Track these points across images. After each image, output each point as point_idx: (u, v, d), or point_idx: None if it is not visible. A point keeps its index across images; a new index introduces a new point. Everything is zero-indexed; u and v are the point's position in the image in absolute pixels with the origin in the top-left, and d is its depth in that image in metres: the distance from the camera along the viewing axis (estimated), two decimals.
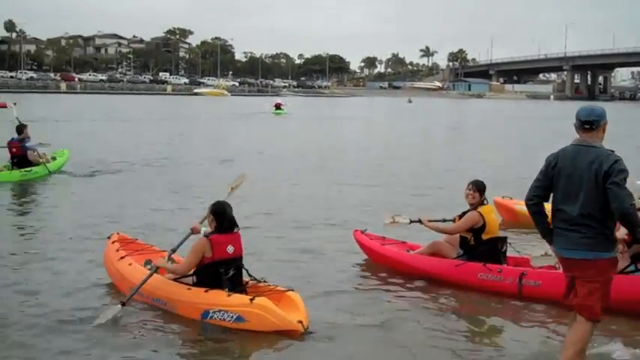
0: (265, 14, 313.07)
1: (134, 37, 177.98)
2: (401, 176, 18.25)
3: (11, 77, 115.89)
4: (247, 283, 6.95)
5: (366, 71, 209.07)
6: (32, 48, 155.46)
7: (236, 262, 6.86)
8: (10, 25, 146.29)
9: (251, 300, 6.40)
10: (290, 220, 11.79)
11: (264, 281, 6.99)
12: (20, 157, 15.91)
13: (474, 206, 8.11)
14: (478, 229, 8.03)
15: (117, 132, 26.28)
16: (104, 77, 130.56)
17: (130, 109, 55.13)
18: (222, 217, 6.85)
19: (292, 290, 6.76)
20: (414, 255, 8.71)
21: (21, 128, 16.33)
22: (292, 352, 6.11)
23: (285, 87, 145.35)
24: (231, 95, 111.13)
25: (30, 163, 16.01)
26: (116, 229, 9.21)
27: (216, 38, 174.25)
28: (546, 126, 44.11)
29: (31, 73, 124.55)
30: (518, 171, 17.81)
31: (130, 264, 7.65)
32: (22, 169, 15.72)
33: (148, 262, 7.68)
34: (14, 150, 15.96)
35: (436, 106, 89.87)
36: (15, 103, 19.32)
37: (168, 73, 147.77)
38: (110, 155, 20.41)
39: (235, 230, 6.93)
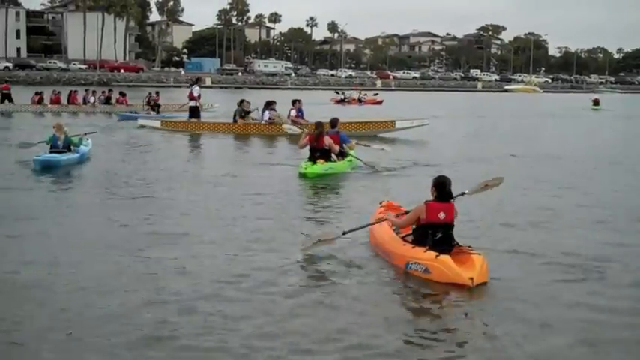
0: (581, 7, 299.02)
1: (447, 34, 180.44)
2: None
3: (332, 75, 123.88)
4: (454, 245, 8.11)
5: None
6: (352, 47, 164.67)
7: (445, 227, 8.08)
8: (332, 27, 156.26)
9: (436, 256, 7.73)
10: (600, 215, 11.63)
11: (469, 246, 8.12)
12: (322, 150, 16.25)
13: None
14: None
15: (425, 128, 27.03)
16: (417, 75, 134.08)
17: (441, 105, 56.18)
18: (441, 189, 8.15)
19: (479, 254, 7.87)
20: None
21: (335, 122, 17.34)
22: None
23: (601, 83, 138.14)
24: (543, 92, 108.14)
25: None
26: None
27: (529, 34, 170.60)
28: None
29: (349, 71, 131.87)
30: None
31: (381, 225, 9.14)
32: (345, 160, 16.28)
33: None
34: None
35: None
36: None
37: (479, 70, 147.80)
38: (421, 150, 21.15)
39: (451, 202, 8.17)
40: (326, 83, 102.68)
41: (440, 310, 7.07)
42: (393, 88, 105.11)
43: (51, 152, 16.11)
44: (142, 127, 26.67)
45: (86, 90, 39.56)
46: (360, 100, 54.62)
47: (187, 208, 11.70)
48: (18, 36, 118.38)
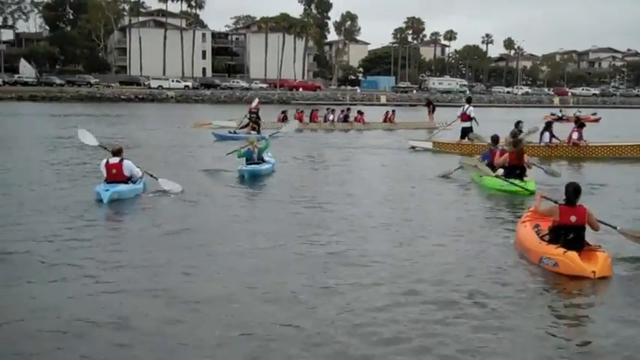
0: None
1: (629, 50, 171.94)
2: None
3: (507, 92, 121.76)
4: (585, 245, 9.10)
5: None
6: (528, 64, 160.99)
7: (577, 228, 9.10)
8: (509, 43, 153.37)
9: (564, 252, 8.83)
10: None
11: (598, 245, 9.14)
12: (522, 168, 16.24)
13: None
14: None
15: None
16: (597, 91, 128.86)
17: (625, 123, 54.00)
18: (569, 194, 9.19)
19: (604, 252, 8.92)
20: None
21: (497, 139, 17.77)
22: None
23: None
24: None
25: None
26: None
27: None
28: None
29: (525, 89, 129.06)
30: None
31: (525, 226, 10.35)
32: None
33: (536, 226, 10.12)
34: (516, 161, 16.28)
35: None
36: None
37: None
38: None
39: (579, 205, 9.16)
40: (501, 101, 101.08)
41: (566, 295, 8.25)
42: (571, 105, 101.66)
43: (248, 164, 17.55)
44: (413, 148, 26.10)
45: (327, 109, 41.93)
46: (577, 119, 52.90)
47: (368, 227, 11.84)
48: (204, 56, 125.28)
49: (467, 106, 26.61)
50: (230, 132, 29.80)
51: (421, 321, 7.11)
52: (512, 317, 7.31)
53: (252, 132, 29.16)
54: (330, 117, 39.56)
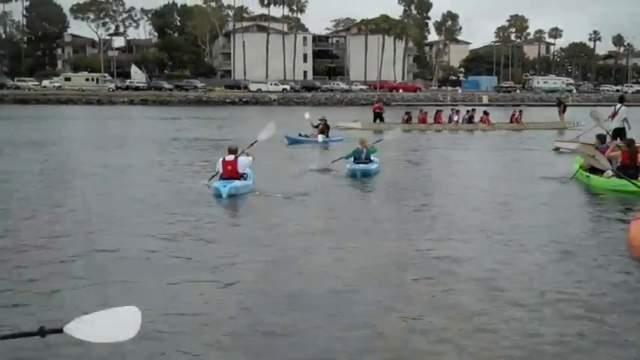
0: None
1: None
2: None
3: (617, 91, 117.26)
4: None
5: None
6: (639, 61, 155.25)
7: None
8: (618, 40, 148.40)
9: None
10: None
11: None
12: (636, 167, 15.61)
13: None
14: None
15: None
16: None
17: None
18: None
19: None
20: None
21: (602, 137, 17.57)
22: None
23: None
24: None
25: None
26: None
27: None
28: None
29: (636, 87, 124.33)
30: None
31: (638, 223, 10.14)
32: None
33: None
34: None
35: None
36: None
37: None
38: None
39: None
40: (610, 99, 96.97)
41: None
42: None
43: (356, 163, 17.88)
44: (557, 149, 25.76)
45: (452, 109, 41.80)
46: None
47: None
48: (305, 59, 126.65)
49: (619, 105, 24.37)
50: (301, 135, 29.89)
51: (522, 322, 7.04)
52: (613, 319, 7.05)
53: (321, 135, 29.38)
54: (455, 118, 39.21)
